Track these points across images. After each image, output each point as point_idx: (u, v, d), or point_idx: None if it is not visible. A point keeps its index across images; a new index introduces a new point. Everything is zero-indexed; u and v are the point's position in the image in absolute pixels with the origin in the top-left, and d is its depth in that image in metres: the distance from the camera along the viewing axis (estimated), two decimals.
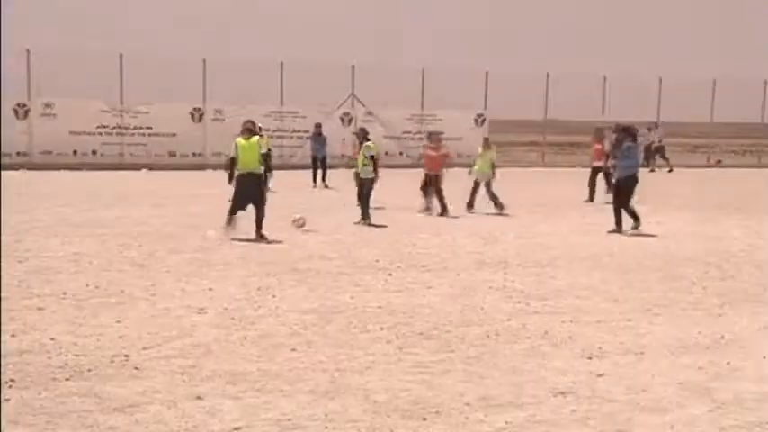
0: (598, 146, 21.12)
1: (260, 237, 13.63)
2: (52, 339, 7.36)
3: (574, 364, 7.08)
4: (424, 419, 5.67)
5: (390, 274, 10.99)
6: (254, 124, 14.64)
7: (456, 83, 38.19)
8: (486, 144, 19.34)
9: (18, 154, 30.24)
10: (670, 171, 33.85)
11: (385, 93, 36.61)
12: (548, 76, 37.50)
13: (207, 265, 11.41)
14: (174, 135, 32.31)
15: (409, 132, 35.80)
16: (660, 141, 35.57)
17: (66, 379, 6.30)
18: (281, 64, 34.45)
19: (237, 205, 13.93)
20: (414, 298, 9.57)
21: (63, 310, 8.49)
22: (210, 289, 9.79)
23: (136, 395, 5.98)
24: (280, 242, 13.42)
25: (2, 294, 8.93)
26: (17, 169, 27.01)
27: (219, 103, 33.07)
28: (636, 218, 15.29)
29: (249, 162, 13.90)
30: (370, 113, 35.15)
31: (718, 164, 41.91)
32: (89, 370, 6.54)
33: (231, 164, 14.07)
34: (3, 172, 21.61)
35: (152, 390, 6.11)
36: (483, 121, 36.77)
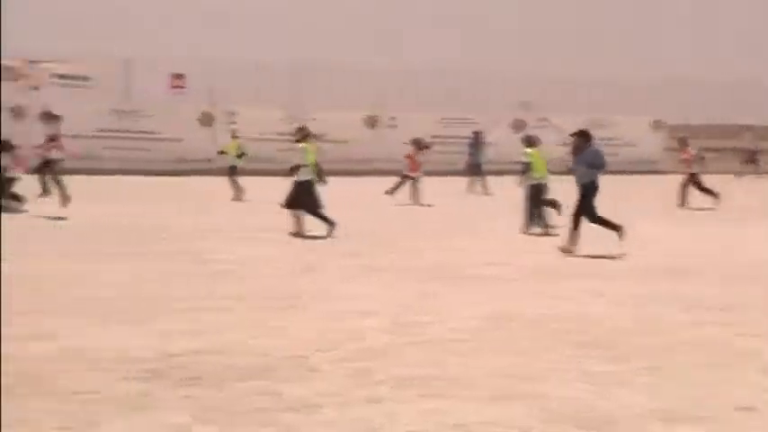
0: (684, 155, 21.84)
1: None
2: (234, 340, 7.59)
3: (758, 379, 6.77)
4: (599, 430, 5.55)
5: (559, 282, 10.84)
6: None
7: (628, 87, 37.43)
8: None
9: (205, 161, 31.56)
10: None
11: (556, 99, 36.25)
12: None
13: (378, 270, 11.56)
14: (346, 142, 32.85)
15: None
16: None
17: (247, 378, 6.48)
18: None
19: None
20: (585, 306, 9.40)
21: (243, 313, 8.76)
22: (382, 294, 9.90)
23: (313, 396, 6.09)
24: (450, 248, 13.46)
25: (184, 297, 9.31)
26: (202, 174, 28.18)
27: (394, 110, 33.45)
28: (612, 227, 13.63)
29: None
30: (543, 120, 34.76)
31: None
32: (268, 370, 6.71)
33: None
34: (188, 177, 22.45)
35: (328, 391, 6.22)
36: (663, 126, 35.78)
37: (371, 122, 34.19)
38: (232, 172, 22.83)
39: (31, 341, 7.29)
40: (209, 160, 30.04)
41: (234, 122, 24.02)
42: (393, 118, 34.30)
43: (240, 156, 23.19)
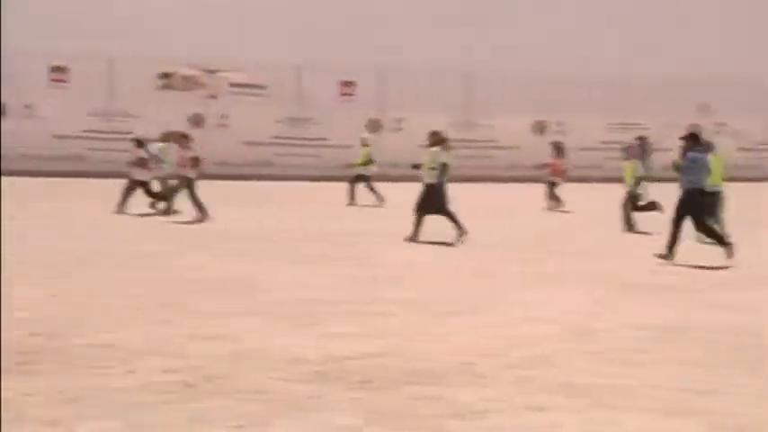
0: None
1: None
2: (402, 344, 7.67)
3: None
4: None
5: (736, 293, 10.46)
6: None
7: None
8: None
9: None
10: None
11: (734, 102, 34.98)
12: None
13: (549, 278, 11.45)
14: (516, 148, 32.64)
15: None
16: None
17: (414, 383, 6.52)
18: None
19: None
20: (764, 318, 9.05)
21: (410, 317, 8.83)
22: (552, 302, 9.79)
23: (479, 402, 6.09)
24: (618, 255, 13.19)
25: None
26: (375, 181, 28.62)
27: (562, 115, 33.07)
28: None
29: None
30: (722, 125, 33.56)
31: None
32: (435, 375, 6.73)
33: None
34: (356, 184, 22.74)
35: (494, 398, 6.19)
36: None
37: (539, 128, 33.89)
38: (359, 180, 22.73)
39: (214, 341, 7.59)
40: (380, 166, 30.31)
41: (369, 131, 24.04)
42: (561, 123, 33.92)
43: (366, 163, 23.06)
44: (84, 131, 30.25)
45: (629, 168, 17.62)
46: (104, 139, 29.93)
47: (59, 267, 11.21)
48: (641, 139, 26.60)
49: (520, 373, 6.86)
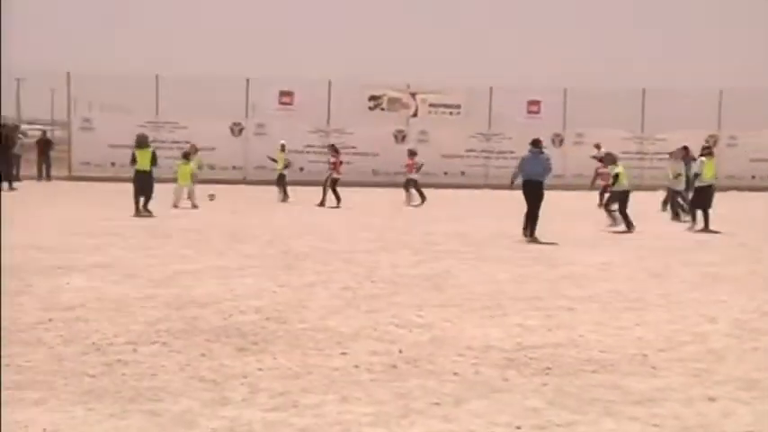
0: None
1: None
2: (581, 336, 7.55)
3: None
4: None
5: None
6: None
7: None
8: None
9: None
10: None
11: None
12: None
13: (719, 278, 10.95)
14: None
15: None
16: None
17: (593, 371, 6.42)
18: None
19: None
20: None
21: (590, 312, 8.66)
22: (723, 301, 9.37)
23: (653, 391, 5.91)
24: None
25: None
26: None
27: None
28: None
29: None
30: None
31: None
32: (611, 365, 6.60)
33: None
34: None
35: (668, 387, 6.00)
36: None
37: (713, 141, 32.36)
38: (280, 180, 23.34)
39: (415, 329, 7.71)
40: (561, 176, 29.89)
41: (282, 143, 24.24)
42: (733, 137, 32.32)
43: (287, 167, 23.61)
44: (306, 146, 31.43)
45: (671, 168, 19.71)
46: (320, 153, 30.99)
47: (286, 260, 11.65)
48: (685, 148, 26.06)
49: (691, 365, 6.61)
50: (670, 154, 20.46)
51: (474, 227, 15.67)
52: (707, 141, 23.07)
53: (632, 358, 6.82)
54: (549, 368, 6.46)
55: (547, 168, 14.97)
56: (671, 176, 19.54)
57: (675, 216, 19.03)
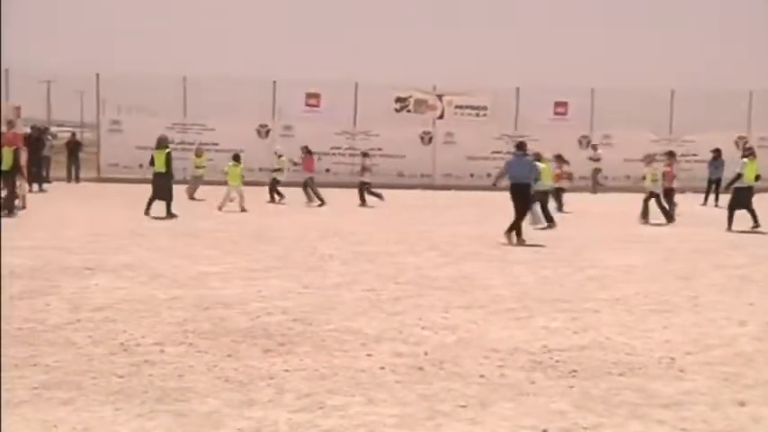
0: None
1: None
2: (607, 338, 7.49)
3: None
4: None
5: None
6: None
7: None
8: None
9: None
10: None
11: None
12: None
13: (748, 281, 10.83)
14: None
15: None
16: None
17: (619, 374, 6.37)
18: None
19: None
20: None
21: (616, 314, 8.60)
22: (752, 304, 9.26)
23: (680, 394, 5.86)
24: None
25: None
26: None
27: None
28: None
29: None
30: None
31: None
32: (638, 368, 6.54)
33: None
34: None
35: (696, 391, 5.94)
36: None
37: (743, 143, 32.04)
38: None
39: (440, 331, 7.69)
40: (585, 178, 29.71)
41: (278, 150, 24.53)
42: (763, 138, 31.96)
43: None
44: (332, 148, 31.49)
45: (649, 173, 19.32)
46: (349, 155, 30.98)
47: (311, 261, 11.68)
48: (717, 150, 26.28)
49: (719, 369, 6.54)
50: (642, 159, 20.06)
51: (499, 228, 15.49)
52: (746, 143, 23.26)
53: (659, 361, 6.76)
54: (575, 371, 6.42)
55: (533, 171, 15.09)
56: (648, 180, 19.04)
57: (668, 216, 18.64)
